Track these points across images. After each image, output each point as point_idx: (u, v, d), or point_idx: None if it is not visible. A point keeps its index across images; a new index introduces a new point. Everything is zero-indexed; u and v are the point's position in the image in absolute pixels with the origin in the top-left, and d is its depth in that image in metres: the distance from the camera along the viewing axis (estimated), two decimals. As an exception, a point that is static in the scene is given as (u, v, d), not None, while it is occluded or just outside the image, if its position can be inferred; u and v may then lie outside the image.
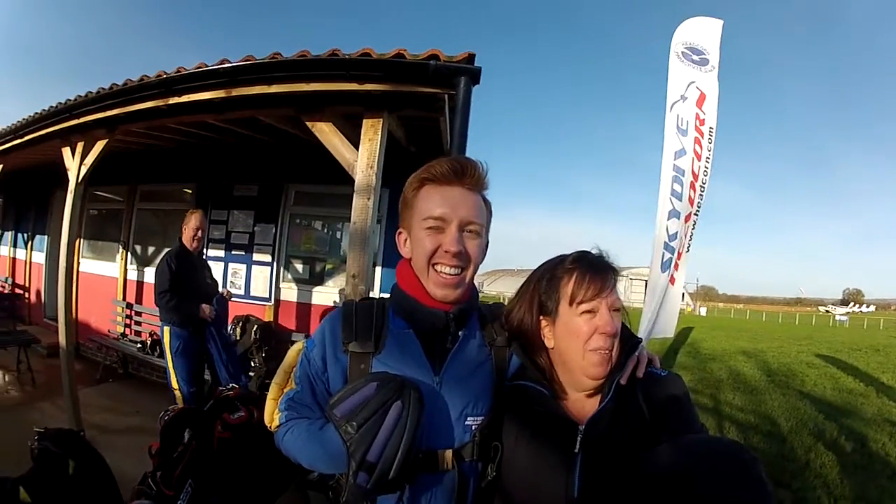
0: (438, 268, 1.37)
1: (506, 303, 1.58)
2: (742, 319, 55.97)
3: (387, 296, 1.54)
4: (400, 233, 1.48)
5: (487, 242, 1.49)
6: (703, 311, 70.40)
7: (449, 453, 1.33)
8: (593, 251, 1.43)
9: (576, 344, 1.34)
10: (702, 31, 4.92)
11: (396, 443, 1.17)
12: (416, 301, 1.41)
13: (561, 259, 1.44)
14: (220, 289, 5.49)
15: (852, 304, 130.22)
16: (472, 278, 1.44)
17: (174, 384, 4.89)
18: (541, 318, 1.42)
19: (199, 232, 4.97)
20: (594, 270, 1.36)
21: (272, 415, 1.46)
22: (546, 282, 1.42)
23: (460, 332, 1.43)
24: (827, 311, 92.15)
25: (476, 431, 1.36)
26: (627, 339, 1.39)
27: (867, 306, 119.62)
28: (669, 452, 1.11)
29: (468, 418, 1.36)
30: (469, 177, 1.39)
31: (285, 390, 1.49)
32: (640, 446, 1.20)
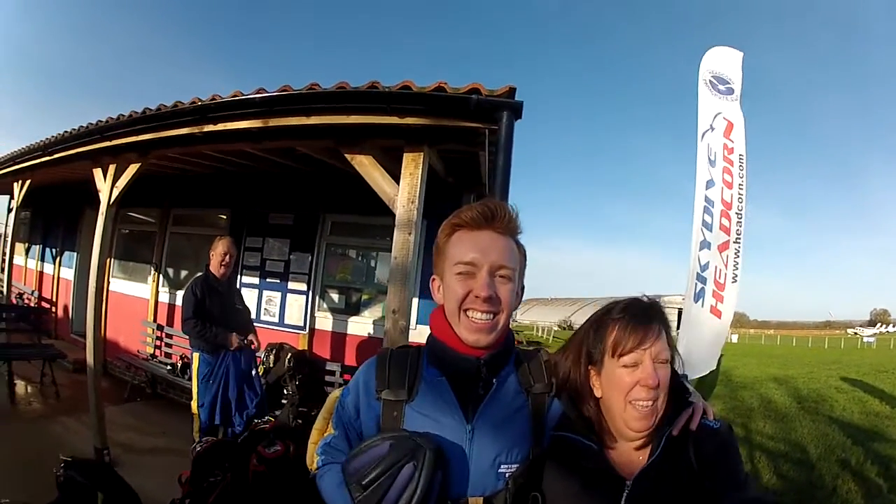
0: (470, 313, 1.35)
1: (537, 331, 1.53)
2: (773, 345, 55.96)
3: (423, 342, 1.54)
4: (433, 279, 1.49)
5: (523, 287, 1.49)
6: (735, 338, 69.50)
7: (479, 501, 1.30)
8: (643, 298, 1.39)
9: (618, 396, 1.31)
10: (725, 61, 5.05)
11: None
12: (448, 347, 1.40)
13: (609, 308, 1.40)
14: (250, 326, 5.37)
15: (879, 324, 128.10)
16: (507, 323, 1.41)
17: (194, 408, 4.88)
18: (589, 367, 1.38)
19: (227, 258, 4.93)
20: (637, 321, 1.32)
21: (313, 458, 1.50)
22: (594, 332, 1.38)
23: (494, 379, 1.40)
24: (855, 333, 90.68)
25: (510, 479, 1.32)
26: (679, 390, 1.35)
27: (894, 325, 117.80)
28: None
29: (501, 466, 1.33)
30: (499, 221, 1.38)
31: (324, 435, 1.52)
32: (687, 501, 1.18)
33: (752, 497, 1.22)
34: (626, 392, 1.29)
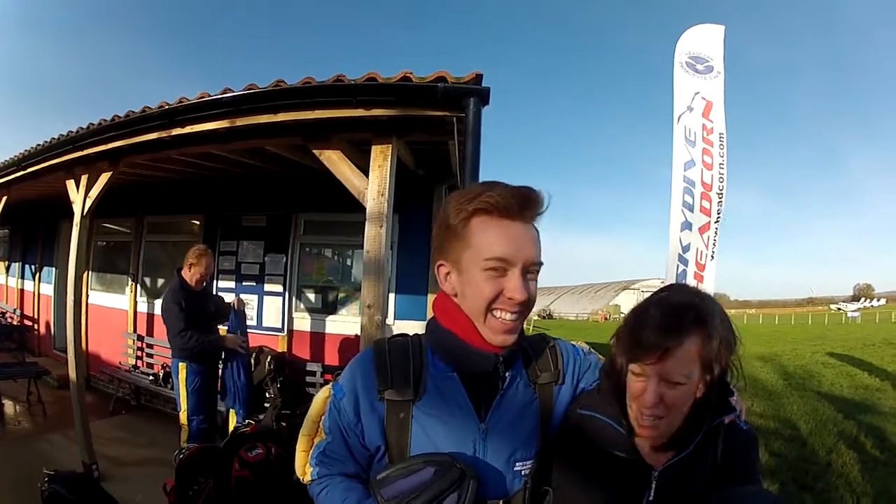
0: (498, 314, 1.21)
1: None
2: (755, 324, 56.51)
3: (412, 331, 1.44)
4: (441, 265, 1.29)
5: None
6: (716, 320, 69.87)
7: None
8: (686, 293, 1.25)
9: (633, 402, 1.23)
10: (704, 39, 4.92)
11: None
12: (462, 341, 1.27)
13: (647, 304, 1.26)
14: (230, 301, 5.28)
15: (863, 299, 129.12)
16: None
17: (183, 419, 4.73)
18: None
19: (206, 277, 4.87)
20: (661, 330, 1.16)
21: (304, 468, 1.39)
22: (629, 329, 1.25)
23: (507, 374, 1.30)
24: (839, 309, 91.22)
25: (527, 478, 1.27)
26: (722, 392, 1.24)
27: (878, 300, 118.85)
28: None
29: (517, 464, 1.26)
30: (533, 209, 1.21)
31: (315, 440, 1.40)
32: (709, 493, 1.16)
33: (766, 493, 1.22)
34: (636, 399, 1.21)
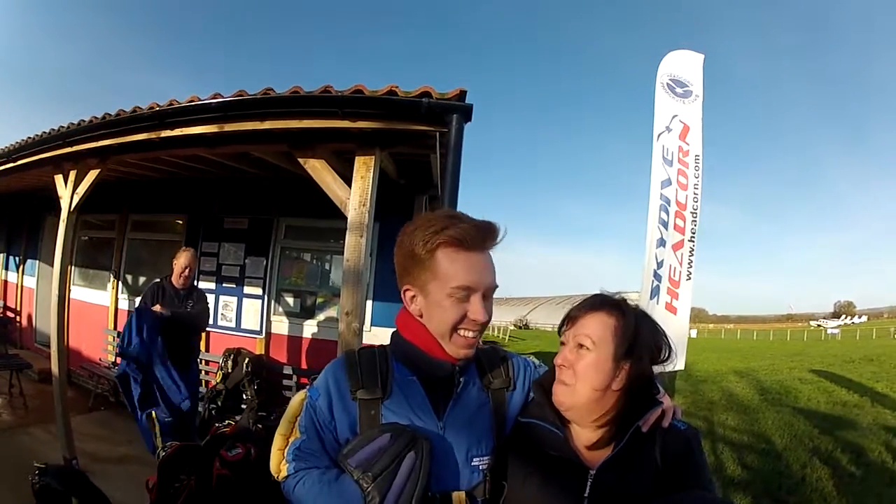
0: (462, 332, 1.38)
1: (493, 331, 1.57)
2: (733, 340, 56.69)
3: (377, 343, 1.57)
4: (407, 289, 1.43)
5: None
6: (694, 333, 69.02)
7: (462, 495, 1.36)
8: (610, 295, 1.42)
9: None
10: (685, 64, 5.06)
11: (410, 491, 1.23)
12: (422, 352, 1.42)
13: None
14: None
15: (844, 316, 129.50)
16: None
17: (153, 414, 4.85)
18: None
19: (188, 271, 5.00)
20: (578, 307, 1.40)
21: (279, 465, 1.48)
22: None
23: (461, 378, 1.45)
24: (818, 326, 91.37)
25: (486, 471, 1.40)
26: (647, 386, 1.36)
27: (859, 317, 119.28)
28: None
29: (474, 459, 1.40)
30: (492, 241, 1.38)
31: (290, 440, 1.50)
32: (649, 496, 1.21)
33: (716, 497, 1.26)
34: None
